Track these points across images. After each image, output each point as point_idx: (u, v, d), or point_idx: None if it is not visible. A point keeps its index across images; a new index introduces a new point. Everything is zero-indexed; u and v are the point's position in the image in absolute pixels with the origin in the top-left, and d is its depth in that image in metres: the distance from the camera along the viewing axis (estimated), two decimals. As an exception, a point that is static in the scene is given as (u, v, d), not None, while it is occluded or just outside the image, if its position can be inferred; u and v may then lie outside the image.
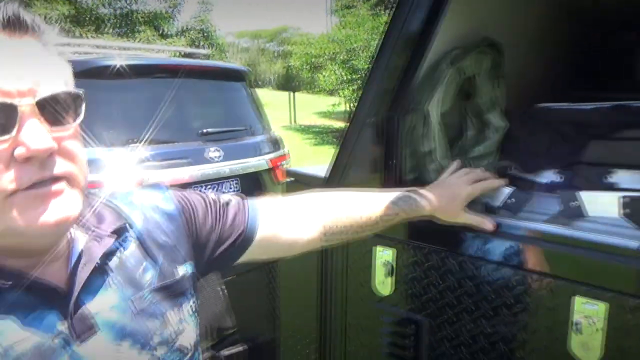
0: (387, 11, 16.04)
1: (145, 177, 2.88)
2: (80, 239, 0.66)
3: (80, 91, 0.62)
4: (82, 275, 0.63)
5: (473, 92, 1.38)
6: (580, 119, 1.30)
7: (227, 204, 0.88)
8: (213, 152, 3.27)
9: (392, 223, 0.98)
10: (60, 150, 0.58)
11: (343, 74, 12.86)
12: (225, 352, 1.87)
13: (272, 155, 3.72)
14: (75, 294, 0.62)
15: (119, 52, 3.68)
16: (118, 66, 3.01)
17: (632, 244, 0.81)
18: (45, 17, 7.78)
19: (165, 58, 4.05)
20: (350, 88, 12.98)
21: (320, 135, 14.27)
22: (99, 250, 0.66)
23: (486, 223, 0.99)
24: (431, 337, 1.10)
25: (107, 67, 3.00)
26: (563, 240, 0.89)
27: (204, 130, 3.32)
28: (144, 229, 0.73)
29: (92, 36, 8.31)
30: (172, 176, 3.02)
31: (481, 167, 1.15)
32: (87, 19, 9.08)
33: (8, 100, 0.54)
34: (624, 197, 0.87)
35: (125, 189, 0.79)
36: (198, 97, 3.52)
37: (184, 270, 0.75)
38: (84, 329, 0.62)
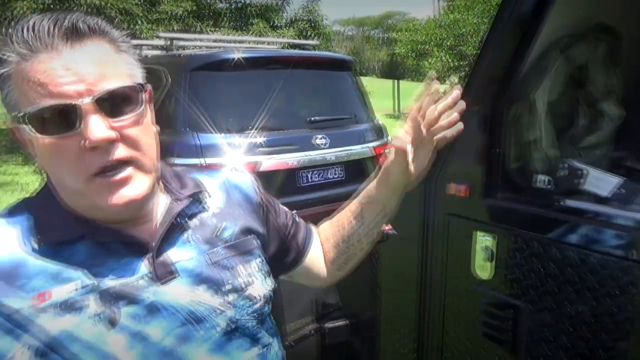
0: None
1: (258, 161, 3.11)
2: (164, 200, 0.79)
3: (137, 83, 0.71)
4: (162, 229, 0.75)
5: (586, 81, 1.34)
6: None
7: (299, 221, 1.00)
8: (320, 139, 3.42)
9: (384, 217, 1.00)
10: (122, 137, 0.67)
11: (450, 60, 12.47)
12: (329, 324, 2.00)
13: (376, 143, 3.79)
14: (157, 244, 0.74)
15: (235, 46, 3.96)
16: (235, 59, 3.26)
17: None
18: (170, 14, 8.52)
19: (277, 50, 4.28)
20: (457, 75, 12.55)
21: (424, 123, 14.00)
22: (177, 209, 0.77)
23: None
24: (530, 323, 1.12)
25: (226, 60, 3.26)
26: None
27: (312, 119, 3.48)
28: (223, 200, 0.85)
29: (210, 30, 8.93)
30: (281, 161, 3.23)
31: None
32: (206, 13, 9.74)
33: (71, 102, 0.63)
34: None
35: (213, 169, 0.93)
36: (306, 87, 3.68)
37: (254, 237, 0.86)
38: (165, 273, 0.73)
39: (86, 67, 0.65)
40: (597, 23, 1.26)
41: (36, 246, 0.69)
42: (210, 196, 0.84)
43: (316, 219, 2.23)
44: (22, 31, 0.64)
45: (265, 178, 3.14)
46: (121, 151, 0.67)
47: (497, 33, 1.16)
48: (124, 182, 0.68)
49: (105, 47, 0.68)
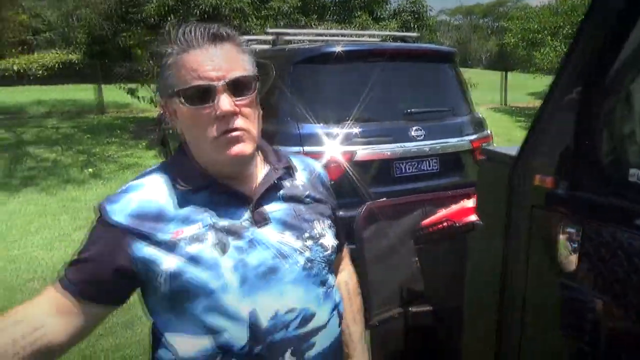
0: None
1: (354, 151, 3.22)
2: (264, 168, 1.07)
3: (254, 74, 0.98)
4: (262, 188, 1.02)
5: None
6: None
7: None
8: (415, 131, 3.45)
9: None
10: (240, 112, 0.94)
11: (565, 50, 11.59)
12: (414, 308, 2.06)
13: (474, 137, 3.72)
14: (257, 197, 1.00)
15: (337, 39, 4.09)
16: (336, 52, 3.38)
17: None
18: (278, 10, 8.91)
19: (376, 43, 4.34)
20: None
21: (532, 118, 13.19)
22: (274, 174, 1.05)
23: None
24: (613, 318, 1.11)
25: (328, 53, 3.40)
26: None
27: (408, 110, 3.52)
28: (306, 178, 1.13)
29: (315, 24, 9.19)
30: (376, 151, 3.31)
31: None
32: (310, 8, 10.02)
33: (212, 83, 0.91)
34: None
35: (301, 156, 1.22)
36: (405, 79, 3.71)
37: (328, 207, 1.13)
38: (261, 220, 1.00)
39: (222, 61, 0.93)
40: None
41: (172, 195, 0.97)
42: (297, 172, 1.12)
43: (409, 209, 2.29)
44: (183, 34, 0.93)
45: (361, 167, 3.24)
46: (238, 121, 0.94)
47: (593, 19, 1.14)
48: (237, 140, 0.94)
49: (233, 48, 0.96)
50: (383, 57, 3.61)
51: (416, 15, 10.39)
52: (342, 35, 4.69)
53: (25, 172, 7.19)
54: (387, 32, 6.02)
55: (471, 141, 3.69)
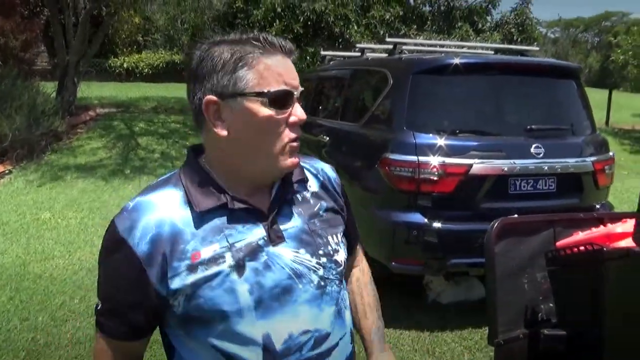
0: None
1: (470, 164, 3.17)
2: (277, 181, 1.02)
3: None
4: (276, 204, 0.98)
5: None
6: None
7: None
8: (535, 148, 3.33)
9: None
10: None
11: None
12: (546, 331, 1.99)
13: (596, 158, 3.53)
14: (272, 215, 0.96)
15: (455, 51, 4.06)
16: (455, 64, 3.34)
17: None
18: (379, 18, 8.97)
19: (497, 56, 4.24)
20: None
21: (639, 141, 12.23)
22: (289, 191, 1.01)
23: None
24: None
25: (448, 65, 3.36)
26: None
27: (530, 127, 3.40)
28: (318, 185, 1.09)
29: (413, 33, 9.15)
30: (493, 166, 3.23)
31: None
32: (409, 17, 9.99)
33: (292, 90, 0.92)
34: None
35: (312, 159, 1.18)
36: (527, 94, 3.60)
37: (340, 217, 1.10)
38: (276, 238, 0.96)
39: (294, 72, 0.94)
40: None
41: (188, 213, 0.93)
42: (309, 180, 1.08)
43: (540, 228, 2.23)
44: (269, 37, 0.92)
45: (476, 181, 3.18)
46: (299, 132, 0.96)
47: None
48: (296, 150, 0.96)
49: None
50: (504, 71, 3.53)
51: (520, 28, 10.02)
52: (461, 47, 4.63)
53: (137, 162, 7.77)
54: (508, 46, 5.86)
55: (593, 162, 3.50)
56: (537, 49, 4.98)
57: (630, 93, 18.84)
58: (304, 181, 1.06)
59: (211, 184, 0.95)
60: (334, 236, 1.05)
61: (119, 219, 0.93)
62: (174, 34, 16.21)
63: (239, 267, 0.91)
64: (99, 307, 0.96)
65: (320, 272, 0.99)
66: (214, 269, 0.90)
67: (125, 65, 19.94)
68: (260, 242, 0.94)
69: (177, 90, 15.78)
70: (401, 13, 9.05)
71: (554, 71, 3.80)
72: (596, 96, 16.02)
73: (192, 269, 0.90)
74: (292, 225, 0.99)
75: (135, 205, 0.94)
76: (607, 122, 14.58)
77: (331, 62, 5.40)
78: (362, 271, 1.28)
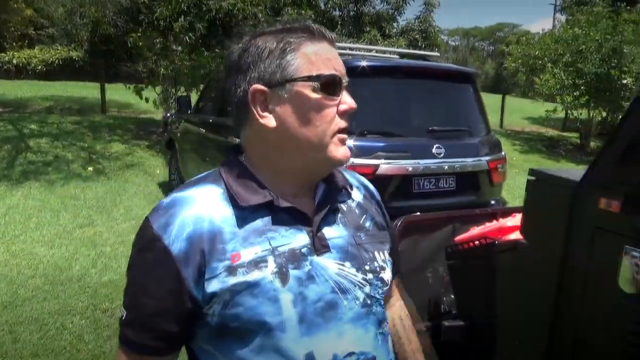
0: (629, 7, 14.05)
1: (377, 164, 3.26)
2: (321, 186, 0.94)
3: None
4: (322, 211, 0.90)
5: None
6: None
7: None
8: (436, 148, 3.50)
9: None
10: None
11: (565, 78, 11.80)
12: (446, 322, 2.09)
13: (490, 157, 3.79)
14: (318, 222, 0.89)
15: (360, 54, 4.15)
16: (361, 67, 3.42)
17: None
18: (292, 20, 8.94)
19: (400, 60, 4.40)
20: (573, 94, 11.83)
21: (529, 142, 13.36)
22: (336, 198, 0.95)
23: None
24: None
25: (354, 67, 3.43)
26: None
27: (431, 128, 3.57)
28: (361, 196, 1.02)
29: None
30: (399, 166, 3.35)
31: None
32: (320, 21, 10.12)
33: (341, 78, 0.86)
34: None
35: (352, 171, 1.10)
36: (428, 97, 3.78)
37: (387, 233, 1.02)
38: (321, 247, 0.88)
39: (341, 61, 0.89)
40: None
41: (229, 211, 0.85)
42: (353, 190, 1.01)
43: (440, 225, 2.33)
44: (314, 25, 0.88)
45: (382, 181, 3.28)
46: (349, 121, 0.89)
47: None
48: (345, 141, 0.89)
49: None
50: (408, 74, 3.68)
51: (424, 34, 10.55)
52: (368, 50, 4.75)
53: (26, 165, 7.12)
54: (411, 51, 6.10)
55: (488, 162, 3.76)
56: (438, 54, 5.25)
57: (520, 98, 20.58)
58: (349, 189, 0.99)
59: (254, 181, 0.88)
60: (381, 253, 0.96)
61: (153, 215, 0.86)
62: (71, 29, 15.09)
63: (282, 274, 0.83)
64: (124, 317, 0.85)
65: (367, 289, 0.90)
66: (255, 274, 0.82)
67: (15, 61, 18.26)
68: (304, 250, 0.86)
69: (75, 89, 14.74)
70: (312, 16, 9.15)
71: (453, 76, 4.03)
72: (491, 100, 17.30)
73: (231, 271, 0.82)
74: (338, 235, 0.91)
75: (171, 200, 0.87)
76: (501, 125, 15.80)
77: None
78: (403, 309, 1.15)
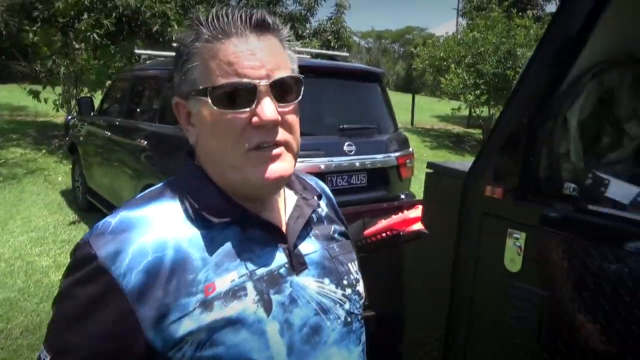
0: (520, 13, 15.33)
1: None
2: (291, 197, 0.85)
3: (301, 76, 0.76)
4: (298, 225, 0.80)
5: (613, 103, 1.51)
6: None
7: None
8: (347, 146, 3.60)
9: None
10: (282, 122, 0.73)
11: (467, 78, 12.62)
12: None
13: (399, 154, 3.97)
14: (295, 237, 0.79)
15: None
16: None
17: None
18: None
19: (312, 60, 4.47)
20: (474, 93, 12.68)
21: (438, 139, 14.14)
22: (308, 209, 0.83)
23: None
24: (553, 312, 1.28)
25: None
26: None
27: (342, 126, 3.67)
28: (325, 203, 0.93)
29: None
30: (310, 165, 3.40)
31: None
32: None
33: (252, 82, 0.70)
34: None
35: (311, 176, 1.00)
36: (338, 96, 3.87)
37: (349, 240, 0.93)
38: (299, 265, 0.78)
39: (266, 55, 0.72)
40: (627, 54, 1.43)
41: (195, 232, 0.72)
42: (320, 198, 0.90)
43: (349, 220, 2.39)
44: (217, 17, 0.71)
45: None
46: (280, 134, 0.73)
47: (539, 57, 1.33)
48: (276, 158, 0.73)
49: (279, 42, 0.75)
50: (318, 74, 3.74)
51: (337, 35, 10.78)
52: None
53: None
54: (322, 51, 6.19)
55: (396, 157, 3.93)
56: (347, 54, 5.40)
57: (429, 97, 21.68)
58: (316, 197, 0.87)
59: (219, 192, 0.75)
60: (353, 264, 0.88)
61: (96, 240, 0.69)
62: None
63: (265, 302, 0.72)
64: None
65: (347, 305, 0.82)
66: (235, 306, 0.70)
67: None
68: (282, 271, 0.76)
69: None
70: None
71: (361, 75, 4.16)
72: (403, 100, 18.11)
73: (207, 306, 0.69)
74: (313, 249, 0.82)
75: (121, 222, 0.71)
76: (412, 123, 16.55)
77: (148, 62, 5.10)
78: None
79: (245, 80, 0.70)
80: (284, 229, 0.79)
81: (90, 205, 5.48)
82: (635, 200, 1.19)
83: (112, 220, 0.72)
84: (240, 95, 0.71)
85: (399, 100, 18.75)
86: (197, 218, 0.73)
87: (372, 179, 3.79)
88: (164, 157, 3.88)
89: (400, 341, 1.99)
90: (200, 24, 0.72)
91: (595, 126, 1.48)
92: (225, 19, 0.71)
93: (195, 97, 0.74)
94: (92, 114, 5.59)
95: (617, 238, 1.17)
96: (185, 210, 0.74)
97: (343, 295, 0.82)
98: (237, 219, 0.74)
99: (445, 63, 13.95)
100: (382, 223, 2.29)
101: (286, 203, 0.83)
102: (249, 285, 0.72)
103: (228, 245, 0.73)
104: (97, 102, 5.89)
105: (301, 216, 0.82)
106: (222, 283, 0.71)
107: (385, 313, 2.21)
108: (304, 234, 0.82)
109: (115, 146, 4.69)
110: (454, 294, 1.56)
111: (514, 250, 1.36)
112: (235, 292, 0.71)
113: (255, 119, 0.71)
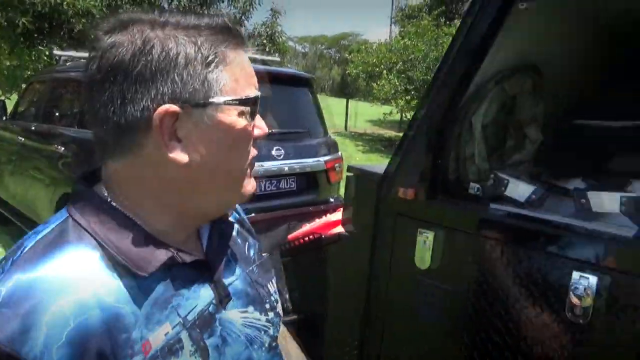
0: (448, 22, 16.05)
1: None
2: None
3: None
4: (219, 252, 0.73)
5: (515, 109, 1.60)
6: (608, 135, 1.51)
7: None
8: (275, 150, 3.60)
9: None
10: None
11: (398, 83, 13.02)
12: (283, 318, 2.15)
13: (328, 158, 4.01)
14: (222, 268, 0.72)
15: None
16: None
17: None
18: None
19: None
20: (405, 98, 13.10)
21: (370, 143, 14.47)
22: (229, 232, 0.76)
23: None
24: (458, 307, 1.34)
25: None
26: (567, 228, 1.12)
27: (270, 131, 3.65)
28: (236, 221, 0.84)
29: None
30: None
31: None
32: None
33: (259, 93, 0.68)
34: (623, 196, 1.09)
35: None
36: (268, 100, 3.84)
37: (267, 255, 0.89)
38: (224, 297, 0.71)
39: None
40: (527, 62, 1.52)
41: (119, 285, 0.62)
42: (230, 217, 0.82)
43: (275, 225, 2.40)
44: (228, 27, 0.66)
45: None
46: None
47: (446, 65, 1.39)
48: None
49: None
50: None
51: (272, 40, 10.75)
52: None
53: None
54: (251, 55, 6.15)
55: (325, 162, 3.97)
56: (279, 59, 5.39)
57: (363, 102, 22.15)
58: (229, 217, 0.80)
59: (140, 232, 0.64)
60: (271, 283, 0.84)
61: (10, 312, 0.54)
62: None
63: (202, 351, 0.66)
64: None
65: (271, 330, 0.78)
66: None
67: None
68: (211, 309, 0.69)
69: None
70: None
71: (291, 80, 4.17)
72: (338, 104, 18.38)
73: None
74: (235, 276, 0.76)
75: (18, 288, 0.56)
76: (346, 127, 16.83)
77: (68, 64, 4.84)
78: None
79: (258, 93, 0.68)
80: (201, 254, 0.72)
81: (1, 217, 5.10)
82: (529, 197, 1.27)
83: (3, 287, 0.56)
84: (255, 107, 0.68)
85: (334, 105, 19.00)
86: (117, 264, 0.62)
87: (301, 183, 3.80)
88: (83, 165, 3.69)
89: (322, 344, 2.00)
90: (226, 29, 0.65)
91: (499, 130, 1.57)
92: (233, 25, 0.67)
93: (217, 107, 0.64)
94: (4, 118, 5.23)
95: (513, 234, 1.24)
96: (101, 257, 0.62)
97: (267, 320, 0.78)
98: (163, 259, 0.65)
99: (377, 69, 14.31)
100: (306, 227, 2.30)
101: (201, 229, 0.75)
102: (184, 336, 0.65)
103: (155, 293, 0.64)
104: (10, 106, 5.51)
105: (221, 242, 0.75)
106: (157, 339, 0.62)
107: (307, 316, 2.22)
108: (225, 261, 0.75)
109: (29, 153, 4.40)
110: (370, 293, 1.59)
111: (423, 249, 1.41)
112: (171, 347, 0.63)
113: (259, 132, 0.70)
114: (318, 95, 4.47)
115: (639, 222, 1.06)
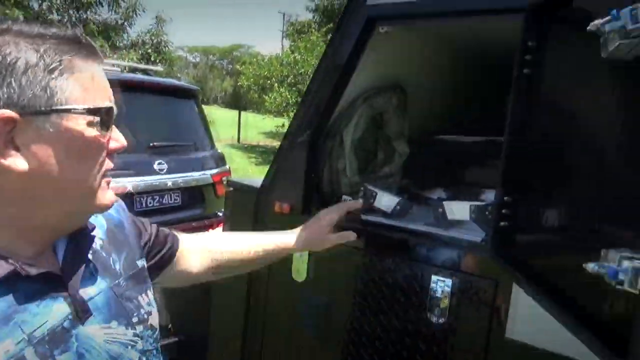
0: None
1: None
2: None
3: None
4: (77, 266, 0.72)
5: (383, 124, 1.70)
6: (463, 149, 1.66)
7: (162, 230, 1.05)
8: (157, 165, 3.46)
9: (268, 260, 1.23)
10: None
11: (289, 96, 13.24)
12: (161, 342, 2.05)
13: (215, 171, 3.94)
14: (78, 282, 0.71)
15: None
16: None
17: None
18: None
19: (119, 73, 4.20)
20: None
21: (263, 155, 14.51)
22: (87, 245, 0.75)
23: (350, 236, 1.25)
24: (337, 317, 1.38)
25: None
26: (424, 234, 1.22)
27: (152, 144, 3.50)
28: (106, 230, 0.83)
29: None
30: (114, 186, 3.17)
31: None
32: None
33: (113, 105, 0.69)
34: (472, 205, 1.20)
35: None
36: (149, 112, 3.69)
37: (141, 263, 0.87)
38: (83, 312, 0.70)
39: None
40: (391, 81, 1.63)
41: None
42: (95, 229, 0.80)
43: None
44: (88, 38, 0.68)
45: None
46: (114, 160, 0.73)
47: (315, 82, 1.44)
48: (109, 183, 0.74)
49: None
50: (127, 88, 3.52)
51: (157, 48, 10.35)
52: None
53: None
54: (131, 63, 5.85)
55: (212, 175, 3.89)
56: (161, 69, 5.21)
57: (255, 114, 22.15)
58: (90, 229, 0.77)
59: None
60: (144, 295, 0.82)
61: None
62: None
63: None
64: None
65: (139, 345, 0.77)
66: None
67: None
68: (66, 324, 0.67)
69: None
70: (22, 18, 7.98)
71: (175, 91, 4.04)
72: (230, 116, 18.16)
73: None
74: (97, 290, 0.74)
75: None
76: (238, 139, 16.69)
77: None
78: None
79: (113, 105, 0.70)
80: (60, 272, 0.70)
81: None
82: (395, 208, 1.35)
83: None
84: (110, 120, 0.69)
85: (226, 117, 18.79)
86: None
87: (187, 198, 3.69)
88: None
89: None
90: (75, 40, 0.66)
91: (370, 144, 1.65)
92: (85, 38, 0.68)
93: (61, 114, 0.63)
94: None
95: (380, 243, 1.31)
96: None
97: (134, 334, 0.77)
98: (10, 273, 0.63)
99: (269, 82, 14.42)
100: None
101: (57, 242, 0.73)
102: (29, 352, 0.63)
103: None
104: None
105: (77, 255, 0.73)
106: None
107: (190, 336, 2.15)
108: (85, 275, 0.73)
109: None
110: (250, 307, 1.58)
111: (300, 262, 1.43)
112: None
113: (114, 145, 0.71)
114: (210, 107, 4.39)
115: (485, 228, 1.18)
